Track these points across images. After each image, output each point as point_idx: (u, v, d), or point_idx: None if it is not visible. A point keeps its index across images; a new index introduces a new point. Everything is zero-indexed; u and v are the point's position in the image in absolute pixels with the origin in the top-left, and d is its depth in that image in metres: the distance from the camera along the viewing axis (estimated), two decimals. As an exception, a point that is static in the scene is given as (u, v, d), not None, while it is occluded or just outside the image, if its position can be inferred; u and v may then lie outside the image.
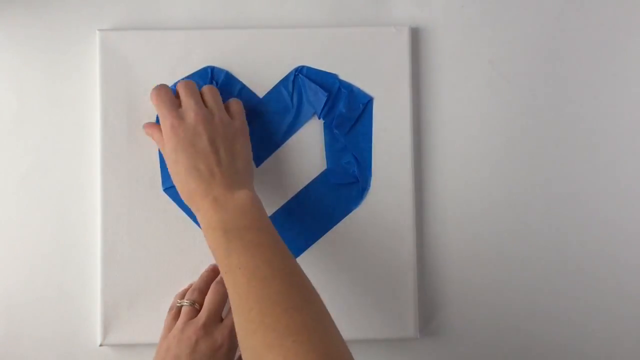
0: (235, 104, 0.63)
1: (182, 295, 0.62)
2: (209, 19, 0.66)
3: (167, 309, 0.63)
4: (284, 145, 0.65)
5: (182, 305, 0.61)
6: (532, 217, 0.66)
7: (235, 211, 0.56)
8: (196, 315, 0.60)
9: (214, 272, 0.63)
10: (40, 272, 0.65)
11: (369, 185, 0.65)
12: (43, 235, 0.65)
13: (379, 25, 0.66)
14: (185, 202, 0.59)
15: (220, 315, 0.60)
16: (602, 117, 0.67)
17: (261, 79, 0.65)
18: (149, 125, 0.63)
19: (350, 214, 0.65)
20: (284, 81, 0.65)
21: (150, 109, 0.64)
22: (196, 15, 0.66)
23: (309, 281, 0.54)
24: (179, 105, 0.60)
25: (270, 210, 0.65)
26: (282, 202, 0.65)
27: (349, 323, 0.60)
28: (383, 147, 0.65)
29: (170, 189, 0.64)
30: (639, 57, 0.67)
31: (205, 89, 0.62)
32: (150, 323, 0.63)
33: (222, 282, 0.60)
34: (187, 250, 0.64)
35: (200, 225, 0.57)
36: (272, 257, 0.54)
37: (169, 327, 0.60)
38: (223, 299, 0.61)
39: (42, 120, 0.65)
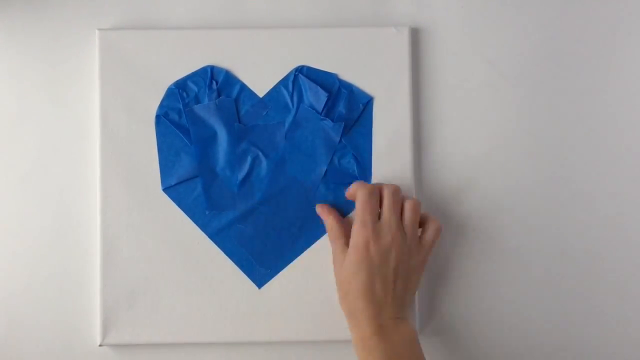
0: (433, 230, 0.61)
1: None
2: (209, 19, 0.66)
3: (167, 309, 0.63)
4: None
5: None
6: (532, 216, 0.66)
7: (400, 346, 0.57)
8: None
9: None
10: (40, 271, 0.65)
11: (369, 185, 0.65)
12: (43, 235, 0.65)
13: (379, 26, 0.66)
14: (345, 314, 0.59)
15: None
16: (603, 117, 0.67)
17: (261, 79, 0.65)
18: (334, 216, 0.62)
19: (351, 214, 0.65)
20: (284, 81, 0.65)
21: (150, 108, 0.64)
22: (196, 15, 0.66)
23: None
24: (379, 212, 0.60)
25: (270, 210, 0.65)
26: (282, 202, 0.65)
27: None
28: (383, 147, 0.65)
29: (169, 188, 0.64)
30: (639, 57, 0.68)
31: (410, 203, 0.61)
32: (150, 323, 0.63)
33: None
34: (187, 250, 0.64)
35: (356, 344, 0.58)
36: None
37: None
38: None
39: (42, 120, 0.65)
